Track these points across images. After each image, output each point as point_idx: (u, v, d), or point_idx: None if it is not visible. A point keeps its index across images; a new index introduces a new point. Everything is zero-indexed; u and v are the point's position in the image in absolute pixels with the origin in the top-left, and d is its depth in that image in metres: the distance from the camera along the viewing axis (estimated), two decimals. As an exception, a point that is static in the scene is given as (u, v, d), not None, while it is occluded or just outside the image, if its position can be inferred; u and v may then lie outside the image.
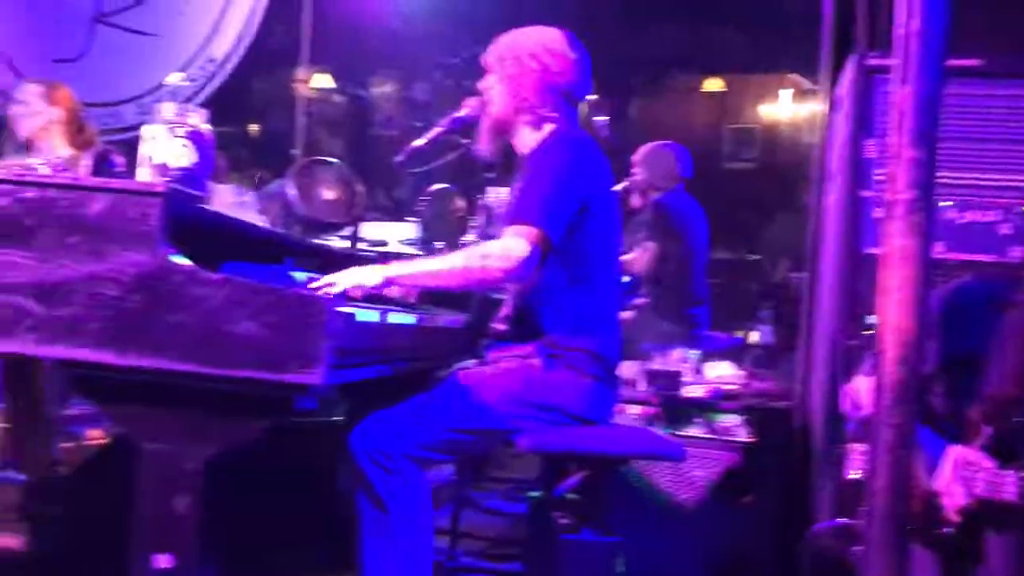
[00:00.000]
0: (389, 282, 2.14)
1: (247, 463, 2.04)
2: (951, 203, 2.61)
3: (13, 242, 1.84)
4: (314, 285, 2.07)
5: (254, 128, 6.23)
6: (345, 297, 2.05)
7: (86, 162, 2.24)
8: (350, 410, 2.65)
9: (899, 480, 2.17)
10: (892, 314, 2.08)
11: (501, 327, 2.38)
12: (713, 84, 8.38)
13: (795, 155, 7.40)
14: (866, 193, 2.67)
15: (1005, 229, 2.58)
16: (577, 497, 2.23)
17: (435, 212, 4.45)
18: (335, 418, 2.80)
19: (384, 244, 4.17)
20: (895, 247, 2.10)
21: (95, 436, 4.28)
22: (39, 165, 2.24)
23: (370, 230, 4.10)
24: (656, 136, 4.69)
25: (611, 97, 8.43)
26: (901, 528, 2.20)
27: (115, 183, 1.86)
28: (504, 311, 2.40)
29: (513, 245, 2.14)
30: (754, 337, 5.41)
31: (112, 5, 5.67)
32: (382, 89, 6.30)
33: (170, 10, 5.60)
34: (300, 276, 2.23)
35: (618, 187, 4.44)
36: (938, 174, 2.27)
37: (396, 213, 4.65)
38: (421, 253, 4.30)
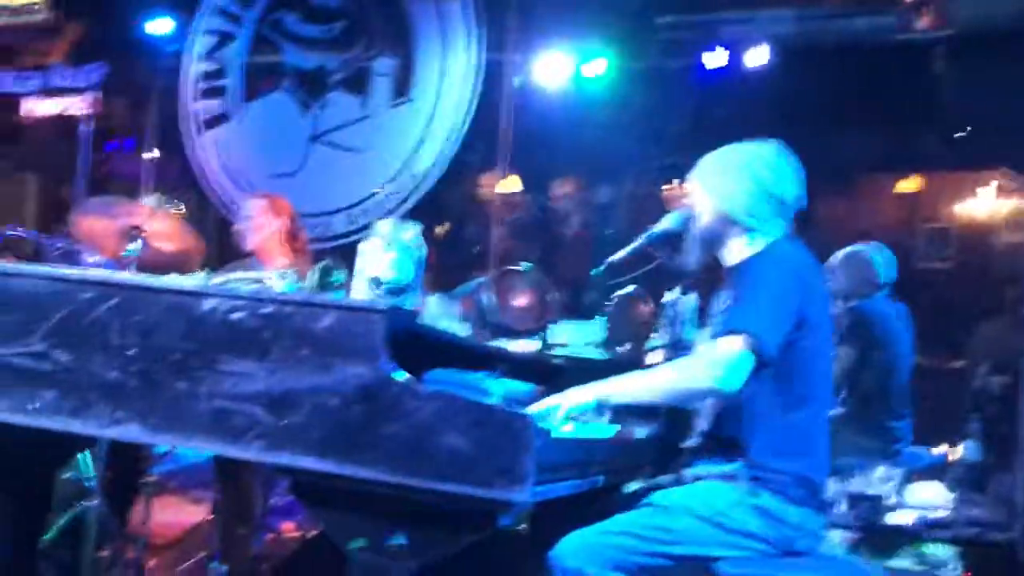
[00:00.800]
0: (602, 402, 2.17)
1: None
2: None
3: (249, 354, 1.99)
4: (534, 408, 2.12)
5: (443, 230, 6.53)
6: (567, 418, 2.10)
7: (312, 275, 2.42)
8: (535, 519, 2.65)
9: None
10: None
11: (701, 443, 2.34)
12: (908, 184, 8.08)
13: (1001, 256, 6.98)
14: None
15: None
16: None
17: (621, 314, 4.47)
18: (519, 527, 2.81)
19: (565, 345, 4.21)
20: None
21: (290, 529, 4.47)
22: (273, 278, 2.43)
23: (556, 331, 4.16)
24: (850, 240, 4.55)
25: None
26: None
27: (344, 301, 1.98)
28: (703, 425, 2.36)
29: (726, 355, 2.12)
30: (958, 453, 5.06)
31: (327, 125, 6.18)
32: (563, 190, 6.47)
33: (379, 128, 6.04)
34: (498, 385, 2.30)
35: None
36: None
37: (582, 314, 4.71)
38: (606, 355, 4.31)
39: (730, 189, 2.31)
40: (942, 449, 5.04)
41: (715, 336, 2.19)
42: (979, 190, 7.87)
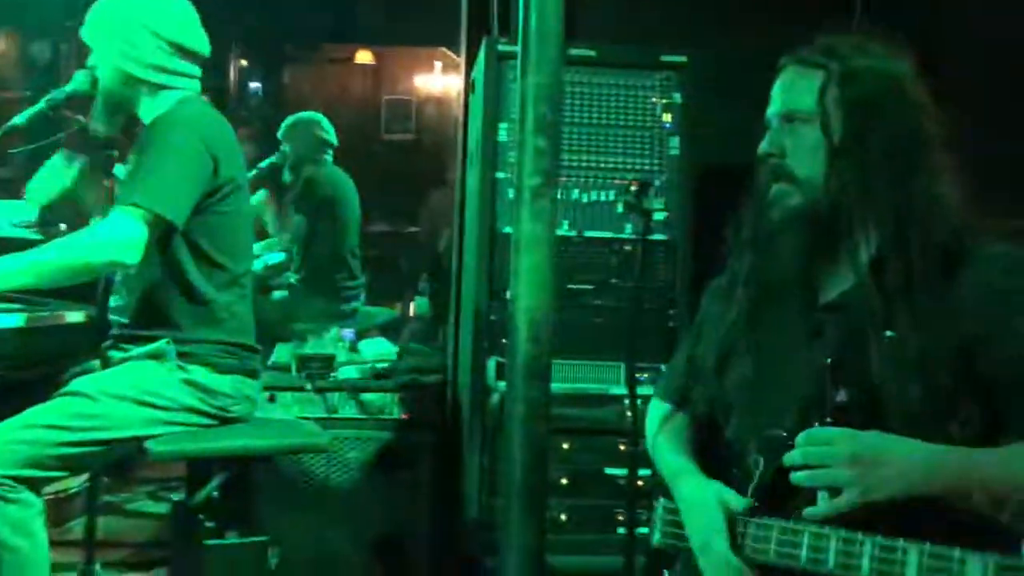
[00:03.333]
0: None
1: None
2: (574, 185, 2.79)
3: None
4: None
5: None
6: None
7: None
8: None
9: (532, 450, 2.28)
10: (523, 296, 2.17)
11: (121, 321, 2.19)
12: (365, 56, 8.37)
13: (448, 129, 7.60)
14: (501, 174, 2.77)
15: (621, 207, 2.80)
16: (220, 498, 2.11)
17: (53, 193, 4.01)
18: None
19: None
20: (523, 232, 2.20)
21: None
22: None
23: (-22, 211, 3.60)
24: (311, 108, 4.57)
25: (264, 66, 8.14)
26: (537, 497, 2.32)
27: None
28: (122, 303, 2.20)
29: (124, 226, 1.96)
30: (414, 310, 5.50)
31: None
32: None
33: None
34: None
35: (267, 163, 4.29)
36: (562, 158, 2.39)
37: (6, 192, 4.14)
38: (42, 237, 3.86)
39: (124, 43, 2.12)
40: (398, 307, 5.43)
41: (117, 203, 2.03)
42: (436, 64, 8.44)
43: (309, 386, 3.06)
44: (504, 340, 2.75)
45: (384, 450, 3.02)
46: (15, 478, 1.87)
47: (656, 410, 1.74)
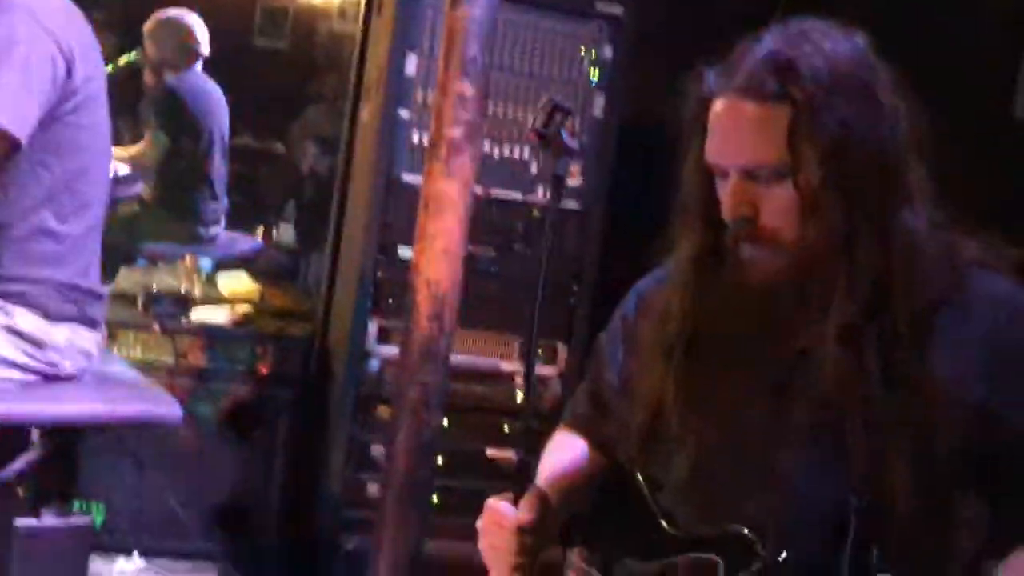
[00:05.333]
0: None
1: None
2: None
3: None
4: None
5: None
6: None
7: None
8: None
9: (422, 441, 2.01)
10: (427, 266, 1.88)
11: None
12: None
13: (331, 43, 7.07)
14: (405, 113, 2.45)
15: (534, 168, 2.54)
16: (37, 470, 1.75)
17: None
18: None
19: None
20: (435, 191, 1.89)
21: None
22: None
23: None
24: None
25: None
26: (420, 491, 2.06)
27: None
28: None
29: None
30: (277, 236, 5.08)
31: None
32: None
33: None
34: None
35: (125, 61, 3.76)
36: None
37: None
38: None
39: None
40: (258, 234, 4.99)
41: None
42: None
43: (157, 327, 2.68)
44: (390, 300, 2.47)
45: (237, 405, 2.69)
46: None
47: (558, 438, 1.44)
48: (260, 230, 5.07)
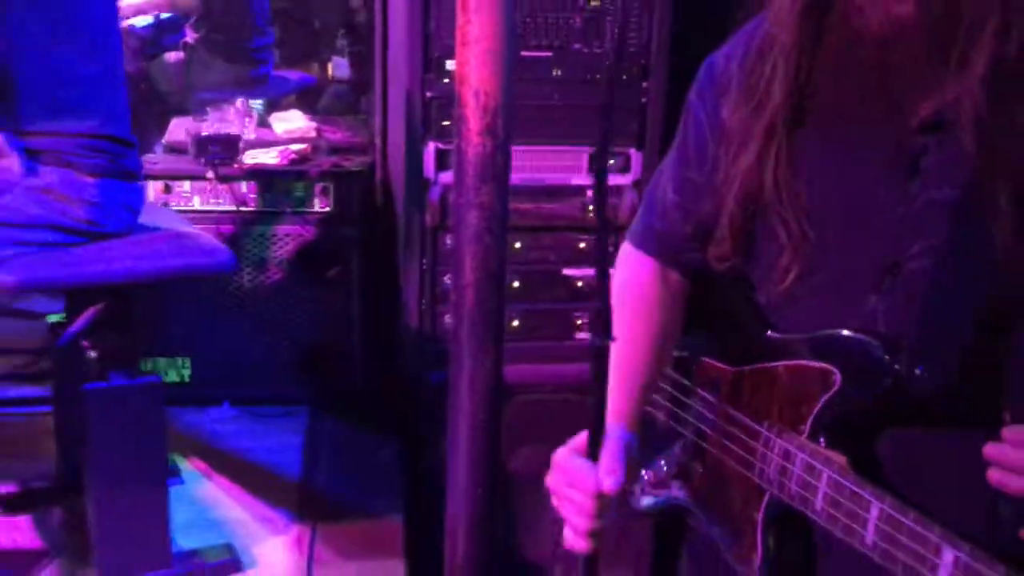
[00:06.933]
0: None
1: None
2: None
3: None
4: None
5: None
6: None
7: None
8: None
9: (488, 269, 1.87)
10: (472, 74, 1.68)
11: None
12: None
13: None
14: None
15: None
16: (100, 332, 1.70)
17: None
18: None
19: None
20: (474, -13, 1.67)
21: None
22: None
23: None
24: None
25: None
26: (492, 321, 1.94)
27: None
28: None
29: None
30: (331, 73, 4.88)
31: None
32: None
33: None
34: None
35: None
36: None
37: None
38: None
39: None
40: (312, 71, 4.80)
41: None
42: None
43: (211, 174, 2.58)
44: (445, 122, 2.30)
45: (305, 248, 2.60)
46: None
47: (630, 268, 1.25)
48: (314, 67, 4.87)
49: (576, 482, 1.08)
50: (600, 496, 1.06)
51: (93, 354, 1.73)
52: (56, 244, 1.64)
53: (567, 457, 1.11)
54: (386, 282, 2.55)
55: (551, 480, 1.13)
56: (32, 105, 1.61)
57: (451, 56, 2.12)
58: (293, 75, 4.13)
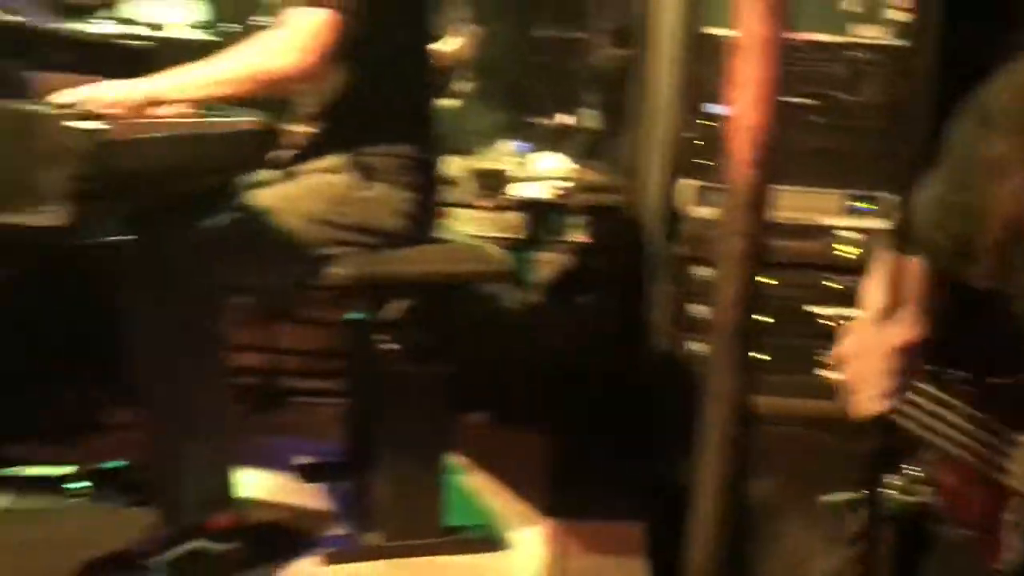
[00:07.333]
0: (154, 101, 1.74)
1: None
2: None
3: None
4: (56, 100, 1.64)
5: None
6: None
7: None
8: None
9: (746, 293, 2.02)
10: (744, 113, 1.85)
11: (299, 131, 2.03)
12: None
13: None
14: (709, -33, 2.39)
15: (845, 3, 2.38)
16: (402, 323, 1.99)
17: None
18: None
19: (159, 28, 3.58)
20: (749, 34, 1.85)
21: None
22: None
23: (142, 8, 3.49)
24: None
25: None
26: (747, 344, 2.08)
27: None
28: (301, 112, 2.04)
29: (304, 33, 1.76)
30: (577, 122, 5.17)
31: None
32: None
33: None
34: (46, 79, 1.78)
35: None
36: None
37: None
38: (214, 39, 3.74)
39: None
40: (563, 119, 5.11)
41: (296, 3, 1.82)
42: None
43: (483, 203, 2.88)
44: (698, 160, 2.47)
45: (563, 274, 2.84)
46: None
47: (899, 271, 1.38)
48: (565, 115, 5.18)
49: (872, 341, 1.18)
50: (899, 352, 1.15)
51: (392, 347, 2.02)
52: (376, 246, 1.96)
53: (861, 324, 1.20)
54: (634, 309, 2.74)
55: (844, 347, 1.21)
56: (367, 131, 1.94)
57: (711, 100, 2.31)
58: (549, 122, 4.44)
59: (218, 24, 3.88)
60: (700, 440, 2.09)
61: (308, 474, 2.41)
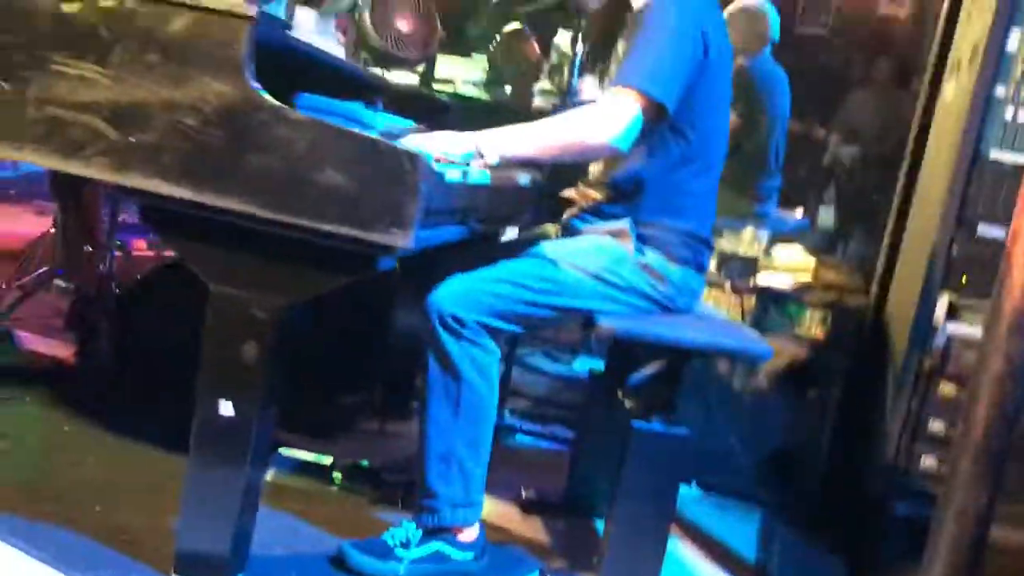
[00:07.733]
0: (480, 153, 1.99)
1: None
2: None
3: (86, 55, 1.68)
4: (414, 141, 1.91)
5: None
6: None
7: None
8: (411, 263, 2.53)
9: (1002, 412, 2.03)
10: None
11: (592, 196, 2.23)
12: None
13: (879, 26, 6.92)
14: (1000, 90, 2.43)
15: None
16: (650, 385, 2.12)
17: (505, 54, 4.19)
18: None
19: (451, 83, 3.95)
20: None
21: (141, 248, 4.23)
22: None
23: (438, 67, 3.88)
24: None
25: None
26: (995, 464, 2.07)
27: (201, 0, 1.67)
28: (598, 179, 2.24)
29: (622, 109, 1.96)
30: (818, 218, 5.21)
31: None
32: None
33: None
34: (378, 118, 2.07)
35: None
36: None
37: (461, 50, 4.40)
38: (489, 97, 4.07)
39: None
40: (799, 214, 5.17)
41: (612, 86, 2.02)
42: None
43: (728, 286, 2.99)
44: (964, 277, 2.47)
45: (795, 365, 2.90)
46: (482, 324, 2.00)
47: None
48: (800, 211, 5.24)
49: None
50: None
51: (629, 403, 2.16)
52: (640, 308, 2.11)
53: None
54: (864, 412, 2.75)
55: None
56: (653, 205, 2.12)
57: (986, 221, 2.33)
58: (787, 215, 4.50)
59: (494, 86, 4.23)
60: (930, 555, 2.10)
61: (527, 507, 2.57)
